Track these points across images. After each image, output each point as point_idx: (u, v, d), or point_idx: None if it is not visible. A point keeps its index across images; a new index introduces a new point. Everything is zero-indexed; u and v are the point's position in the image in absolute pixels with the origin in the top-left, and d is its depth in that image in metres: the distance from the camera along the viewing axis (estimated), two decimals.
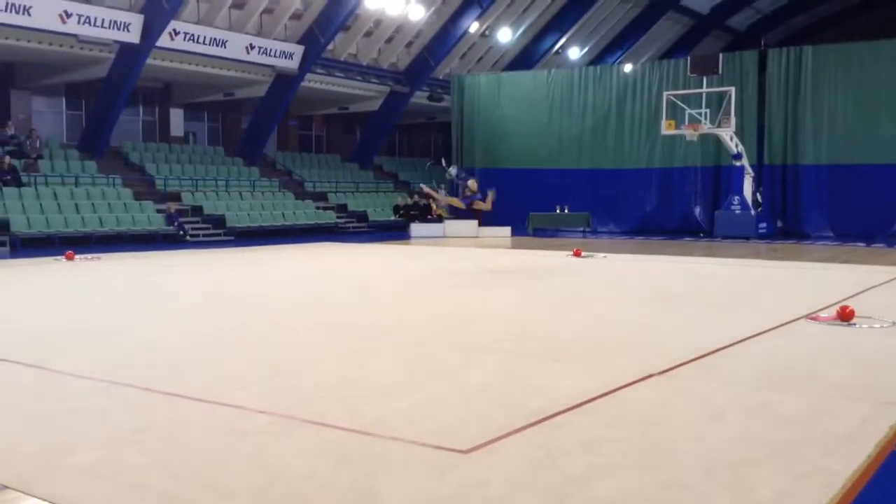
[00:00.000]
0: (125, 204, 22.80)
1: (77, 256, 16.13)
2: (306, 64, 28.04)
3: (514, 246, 21.41)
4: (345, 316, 8.84)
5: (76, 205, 21.53)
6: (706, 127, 22.78)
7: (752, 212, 23.39)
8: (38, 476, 3.70)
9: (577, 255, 16.89)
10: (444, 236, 25.07)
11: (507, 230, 25.52)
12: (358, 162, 34.41)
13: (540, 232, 26.06)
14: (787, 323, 7.99)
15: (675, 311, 8.98)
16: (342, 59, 30.71)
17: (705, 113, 22.93)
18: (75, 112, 27.59)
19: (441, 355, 6.54)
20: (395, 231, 26.93)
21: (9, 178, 21.25)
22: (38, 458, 3.96)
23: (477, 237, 24.86)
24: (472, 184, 21.32)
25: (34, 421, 4.61)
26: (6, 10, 20.56)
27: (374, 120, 33.74)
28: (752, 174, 23.92)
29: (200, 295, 10.87)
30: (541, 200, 26.74)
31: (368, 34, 30.90)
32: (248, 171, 28.72)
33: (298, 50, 27.80)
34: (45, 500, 3.42)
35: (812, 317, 8.28)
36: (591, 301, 10.08)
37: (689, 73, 24.31)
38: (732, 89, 23.04)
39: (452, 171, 18.18)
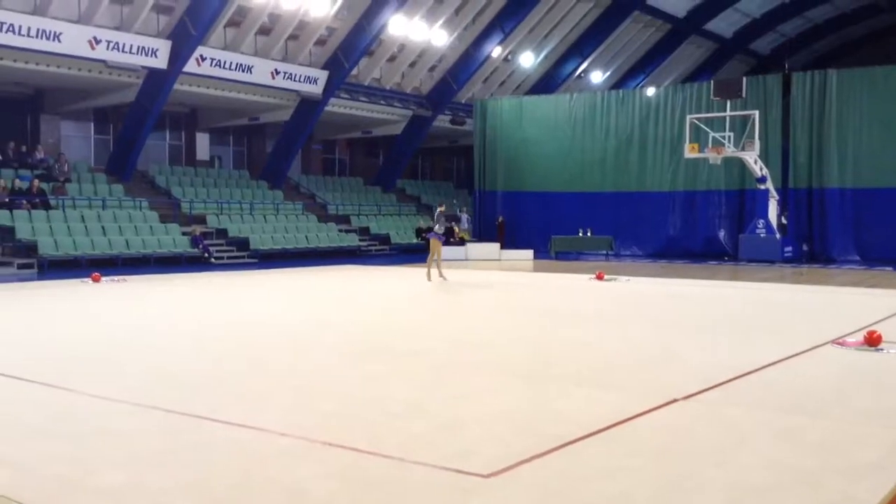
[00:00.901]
0: (151, 227, 23.05)
1: (103, 278, 16.30)
2: (330, 89, 28.31)
3: (537, 269, 21.36)
4: (367, 339, 8.85)
5: (103, 227, 21.79)
6: (730, 150, 22.67)
7: (777, 235, 23.19)
8: (62, 497, 3.73)
9: (599, 278, 16.82)
10: (467, 259, 25.07)
11: (529, 253, 25.48)
12: (381, 185, 34.60)
13: (562, 255, 26.00)
14: (813, 348, 7.90)
15: (698, 336, 8.91)
16: (366, 83, 30.98)
17: (729, 136, 22.83)
18: (103, 136, 28.00)
19: (462, 378, 6.53)
20: (417, 254, 26.94)
21: (37, 201, 21.57)
22: (62, 479, 3.99)
23: (499, 260, 24.84)
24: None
25: (59, 442, 4.65)
26: (37, 37, 20.97)
27: (397, 144, 33.95)
28: (777, 198, 23.75)
29: (225, 317, 10.93)
30: (563, 223, 26.69)
31: (392, 59, 31.17)
32: (272, 194, 28.96)
33: (323, 75, 28.10)
34: None
35: (838, 342, 8.18)
36: (614, 325, 10.03)
37: (712, 96, 24.25)
38: (756, 113, 22.95)
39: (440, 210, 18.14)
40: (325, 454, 4.41)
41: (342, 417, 5.21)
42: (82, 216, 21.96)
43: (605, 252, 26.28)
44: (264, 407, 5.48)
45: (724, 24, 38.54)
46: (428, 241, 17.13)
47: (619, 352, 7.86)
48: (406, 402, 5.64)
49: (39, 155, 24.09)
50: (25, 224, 20.31)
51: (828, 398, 5.83)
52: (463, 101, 34.01)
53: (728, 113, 23.34)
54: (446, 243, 26.43)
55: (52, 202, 22.00)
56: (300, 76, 27.55)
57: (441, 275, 16.72)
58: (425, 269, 16.90)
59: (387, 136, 34.20)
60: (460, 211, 30.37)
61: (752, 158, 22.71)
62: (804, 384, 6.30)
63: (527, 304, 12.80)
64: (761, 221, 23.34)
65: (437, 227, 17.10)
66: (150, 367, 7.01)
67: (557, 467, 4.17)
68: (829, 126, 24.30)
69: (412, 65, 31.74)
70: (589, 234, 26.19)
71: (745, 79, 24.68)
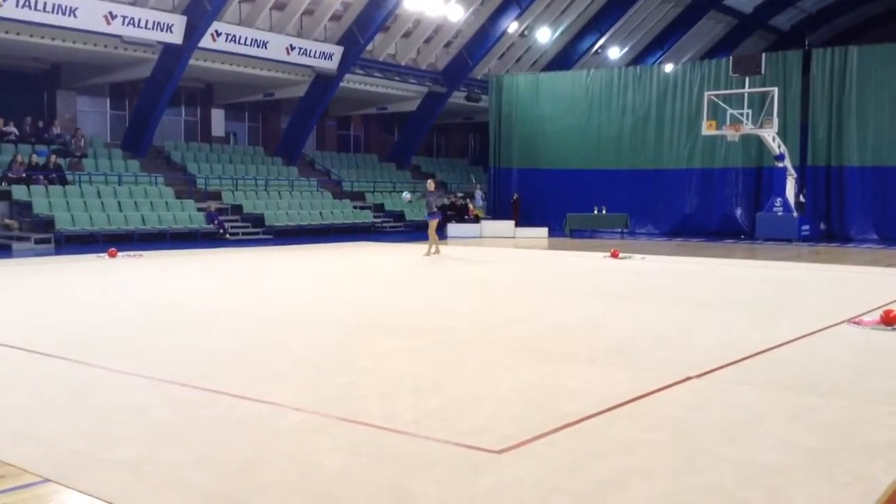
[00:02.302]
0: (167, 202, 23.14)
1: (120, 254, 16.41)
2: (345, 64, 28.22)
3: (551, 247, 21.32)
4: (382, 315, 8.88)
5: (119, 203, 21.91)
6: (748, 127, 22.45)
7: (795, 214, 23.01)
8: (80, 471, 3.78)
9: (614, 256, 16.77)
10: (481, 236, 25.06)
11: (543, 231, 25.43)
12: (395, 162, 34.54)
13: (577, 233, 25.92)
14: (828, 327, 7.86)
15: (713, 314, 8.88)
16: (381, 59, 30.85)
17: (747, 113, 22.61)
18: (119, 112, 28.07)
19: (476, 355, 6.54)
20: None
21: (54, 176, 21.70)
22: (80, 453, 4.04)
23: (514, 238, 24.80)
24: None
25: (77, 416, 4.70)
26: (53, 12, 20.99)
27: (412, 120, 33.84)
28: (795, 175, 23.54)
29: (239, 293, 10.99)
30: (578, 201, 26.60)
31: (407, 35, 31.00)
32: (287, 170, 28.99)
33: (338, 51, 28.00)
34: (86, 494, 3.49)
35: (855, 321, 8.13)
36: (628, 303, 10.00)
37: (731, 73, 23.99)
38: (775, 90, 22.68)
39: (406, 195, 18.40)
40: (338, 429, 4.44)
41: (356, 392, 5.23)
42: (98, 192, 22.08)
43: (620, 230, 26.19)
44: (278, 382, 5.51)
45: None
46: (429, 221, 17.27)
47: (634, 330, 7.84)
48: (420, 378, 5.66)
49: (56, 130, 24.20)
50: (42, 199, 20.45)
51: (843, 377, 5.80)
52: (479, 78, 33.81)
53: (747, 90, 23.09)
54: (461, 220, 26.53)
55: (69, 177, 22.12)
56: (315, 52, 27.47)
57: (428, 252, 16.94)
58: (426, 247, 17.22)
59: (402, 113, 34.11)
60: (474, 187, 30.33)
61: (770, 136, 22.49)
62: (819, 363, 6.27)
63: (541, 282, 12.78)
64: (779, 199, 23.15)
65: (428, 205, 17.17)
66: (166, 343, 7.06)
67: (571, 444, 4.17)
68: (849, 103, 24.04)
69: (427, 41, 31.56)
70: (604, 211, 26.08)
71: (764, 55, 24.40)
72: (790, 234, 22.61)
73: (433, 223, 17.22)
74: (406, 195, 18.75)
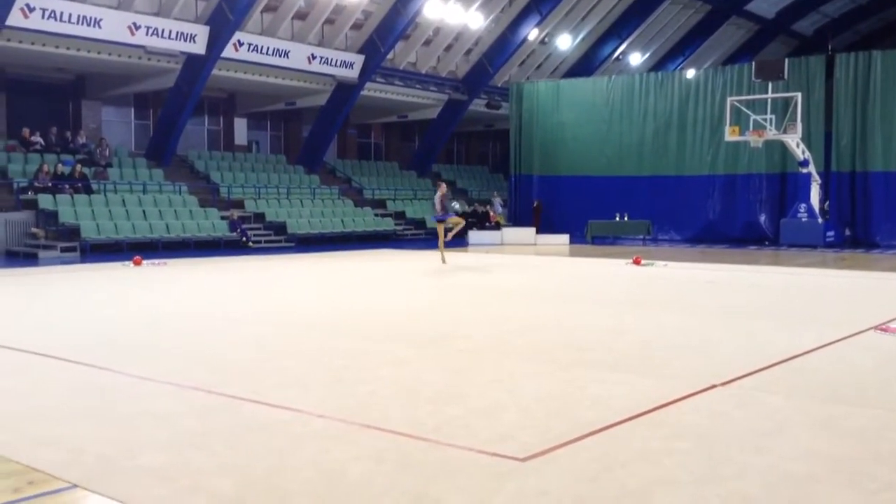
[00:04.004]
0: (191, 211, 23.34)
1: (144, 262, 16.57)
2: (366, 73, 28.36)
3: (572, 254, 21.26)
4: (402, 322, 8.90)
5: (143, 211, 22.12)
6: (771, 133, 22.29)
7: (820, 220, 22.80)
8: (107, 476, 3.82)
9: (636, 263, 16.70)
10: (502, 244, 25.04)
11: (565, 238, 25.37)
12: (416, 170, 34.61)
13: (598, 240, 25.82)
14: (854, 334, 7.78)
15: (737, 321, 8.81)
16: (401, 67, 30.96)
17: (770, 119, 22.45)
18: (143, 121, 28.37)
19: (497, 363, 6.54)
20: (453, 238, 26.97)
21: (80, 185, 21.95)
22: (107, 458, 4.08)
23: (534, 244, 24.77)
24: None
25: (103, 422, 4.75)
26: (78, 23, 21.27)
27: (433, 128, 33.91)
28: (820, 181, 23.33)
29: (263, 301, 11.05)
30: (600, 208, 26.49)
31: (427, 43, 31.09)
32: (308, 178, 29.14)
33: (359, 59, 28.14)
34: (112, 499, 3.52)
35: (881, 328, 8.05)
36: (651, 310, 9.95)
37: (753, 78, 23.84)
38: (799, 95, 22.50)
39: (456, 206, 18.54)
40: (361, 436, 4.45)
41: (378, 400, 5.25)
42: (123, 200, 22.30)
43: (642, 237, 26.07)
44: (300, 389, 5.54)
45: (766, 4, 37.77)
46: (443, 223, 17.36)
47: (656, 337, 7.80)
48: (442, 386, 5.66)
49: (81, 140, 24.49)
50: (68, 208, 20.69)
51: (869, 385, 5.74)
52: (499, 85, 33.84)
53: (770, 95, 22.95)
54: (482, 228, 26.55)
55: (94, 187, 22.36)
56: (336, 60, 27.63)
57: (443, 258, 17.13)
58: (439, 254, 17.39)
59: (422, 121, 34.18)
60: (493, 196, 30.35)
61: (794, 141, 22.32)
62: (845, 371, 6.20)
63: (562, 289, 12.75)
64: (803, 206, 22.96)
65: (440, 210, 17.19)
66: (191, 350, 7.12)
67: (594, 452, 4.16)
68: (874, 108, 23.80)
69: (448, 48, 31.64)
70: (626, 218, 25.97)
71: (787, 60, 24.24)
72: (815, 241, 22.40)
73: (441, 226, 17.32)
74: (455, 205, 18.57)
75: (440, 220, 17.31)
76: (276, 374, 6.07)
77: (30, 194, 20.99)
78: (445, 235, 17.39)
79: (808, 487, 3.63)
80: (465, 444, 4.25)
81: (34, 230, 20.39)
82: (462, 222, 17.86)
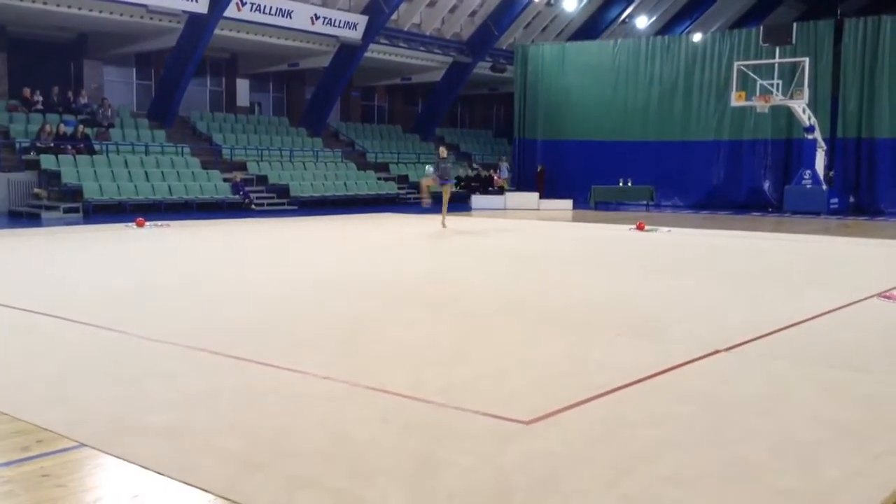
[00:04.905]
0: (193, 173, 23.26)
1: (147, 223, 16.55)
2: (370, 34, 28.06)
3: (576, 219, 21.22)
4: (407, 286, 8.90)
5: (146, 173, 22.04)
6: (778, 98, 22.11)
7: (824, 186, 22.71)
8: (114, 436, 3.83)
9: (640, 228, 16.67)
10: (505, 208, 24.99)
11: (568, 203, 25.31)
12: (419, 133, 34.42)
13: (602, 205, 25.75)
14: (858, 301, 7.78)
15: (741, 287, 8.81)
16: (405, 29, 30.64)
17: (777, 84, 22.25)
18: (145, 82, 28.17)
19: (502, 327, 6.55)
20: (456, 203, 26.91)
21: (82, 146, 21.86)
22: (114, 418, 4.10)
23: (538, 209, 24.71)
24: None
25: (110, 382, 4.77)
26: None
27: (437, 91, 33.65)
28: (825, 148, 23.20)
29: (268, 263, 11.06)
30: (603, 173, 26.38)
31: (432, 4, 30.74)
32: (311, 141, 29.00)
33: (362, 20, 27.84)
34: (120, 458, 3.54)
35: (885, 295, 8.04)
36: (655, 275, 9.95)
37: (761, 42, 23.60)
38: (806, 60, 22.28)
39: (430, 169, 18.45)
40: (367, 398, 4.47)
41: (384, 363, 5.26)
42: (126, 161, 22.22)
43: (645, 202, 26.00)
44: (307, 351, 5.55)
45: None
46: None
47: (661, 303, 7.81)
48: (448, 349, 5.68)
49: (83, 100, 24.33)
50: (71, 169, 20.62)
51: (874, 352, 5.75)
52: (504, 48, 33.51)
53: (777, 60, 22.74)
54: (484, 192, 26.47)
55: (97, 147, 22.27)
56: (340, 21, 27.34)
57: (444, 222, 17.12)
58: (440, 218, 17.35)
59: (426, 83, 33.91)
60: (500, 159, 30.22)
61: (800, 107, 22.16)
62: (849, 337, 6.21)
63: (566, 254, 12.74)
64: (808, 172, 22.86)
65: (437, 172, 17.22)
66: (197, 311, 7.13)
67: (599, 415, 4.18)
68: (882, 74, 23.60)
69: (452, 10, 31.29)
70: (629, 184, 25.88)
71: (795, 24, 23.98)
72: (819, 208, 22.34)
73: (447, 188, 17.32)
74: (429, 168, 18.71)
75: (444, 184, 17.30)
76: (283, 336, 6.08)
77: (32, 154, 20.91)
78: (432, 199, 17.47)
79: (815, 452, 3.64)
80: (472, 407, 4.26)
81: (37, 190, 20.35)
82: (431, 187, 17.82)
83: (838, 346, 5.90)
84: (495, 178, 27.81)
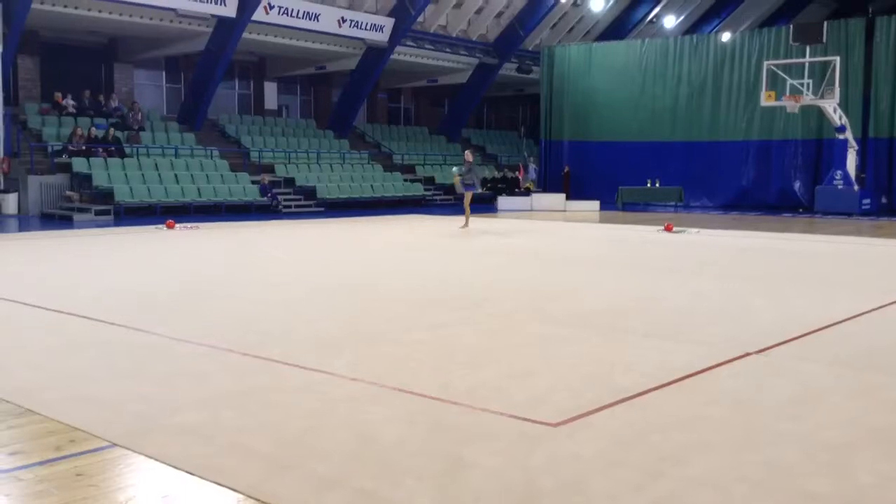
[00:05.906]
0: (222, 175, 23.46)
1: (177, 225, 16.72)
2: (396, 36, 28.13)
3: (603, 220, 21.11)
4: (433, 287, 8.91)
5: (176, 175, 22.27)
6: (808, 98, 21.86)
7: (856, 187, 22.40)
8: (145, 435, 3.88)
9: (668, 229, 16.55)
10: (532, 210, 24.93)
11: (595, 204, 25.18)
12: (446, 135, 34.44)
13: (629, 206, 25.59)
14: (891, 303, 7.66)
15: (771, 289, 8.71)
16: (432, 31, 30.68)
17: (808, 84, 21.99)
18: (174, 85, 28.46)
19: (529, 328, 6.53)
20: (482, 204, 26.89)
21: (113, 149, 22.13)
22: (144, 417, 4.14)
23: (564, 211, 24.62)
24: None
25: (140, 382, 4.82)
26: None
27: (463, 92, 33.65)
28: (857, 148, 22.88)
29: (297, 265, 11.12)
30: (631, 174, 26.24)
31: (458, 5, 30.74)
32: (338, 143, 29.13)
33: (389, 23, 27.92)
34: (150, 458, 3.58)
35: None
36: (683, 277, 9.87)
37: (791, 41, 23.33)
38: (837, 59, 22.01)
39: (456, 170, 18.63)
40: (394, 399, 4.48)
41: (411, 364, 5.27)
42: (156, 164, 22.46)
43: (673, 203, 25.81)
44: (335, 352, 5.57)
45: None
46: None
47: (690, 305, 7.74)
48: (475, 351, 5.67)
49: (114, 103, 24.63)
50: (102, 171, 20.89)
51: None
52: (530, 49, 33.44)
53: (807, 59, 22.47)
54: (510, 193, 26.42)
55: (127, 150, 22.53)
56: (366, 24, 27.44)
57: (465, 224, 17.24)
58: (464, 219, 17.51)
59: (452, 85, 33.91)
60: (528, 160, 30.12)
61: (831, 107, 21.87)
62: (882, 340, 6.12)
63: (592, 256, 12.68)
64: (839, 172, 22.56)
65: (466, 178, 17.35)
66: (226, 312, 7.18)
67: (628, 417, 4.15)
68: None
69: (478, 11, 31.28)
70: (657, 184, 25.69)
71: (825, 23, 23.67)
72: (850, 208, 22.04)
73: (468, 195, 17.44)
74: (455, 170, 18.78)
75: (467, 191, 17.50)
76: (309, 338, 6.11)
77: (64, 157, 21.21)
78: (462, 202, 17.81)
79: (847, 455, 3.59)
80: (499, 409, 4.26)
81: (69, 193, 20.62)
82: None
83: (871, 349, 5.82)
84: (520, 177, 27.73)
